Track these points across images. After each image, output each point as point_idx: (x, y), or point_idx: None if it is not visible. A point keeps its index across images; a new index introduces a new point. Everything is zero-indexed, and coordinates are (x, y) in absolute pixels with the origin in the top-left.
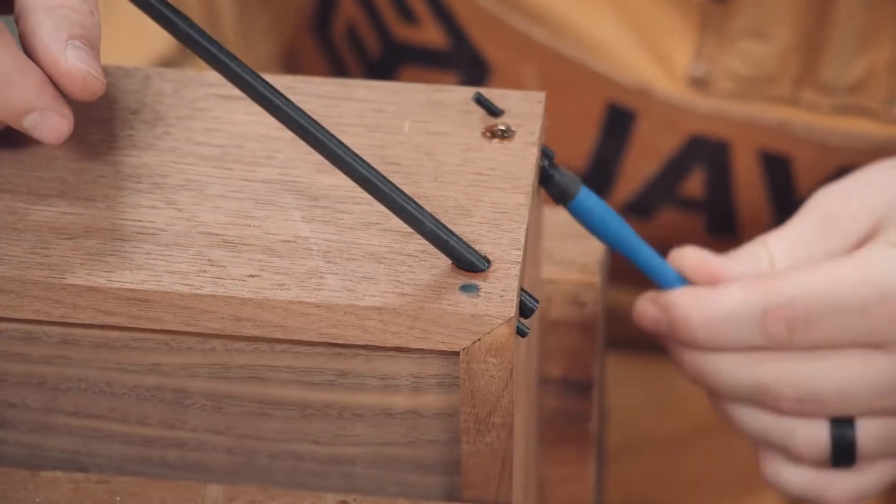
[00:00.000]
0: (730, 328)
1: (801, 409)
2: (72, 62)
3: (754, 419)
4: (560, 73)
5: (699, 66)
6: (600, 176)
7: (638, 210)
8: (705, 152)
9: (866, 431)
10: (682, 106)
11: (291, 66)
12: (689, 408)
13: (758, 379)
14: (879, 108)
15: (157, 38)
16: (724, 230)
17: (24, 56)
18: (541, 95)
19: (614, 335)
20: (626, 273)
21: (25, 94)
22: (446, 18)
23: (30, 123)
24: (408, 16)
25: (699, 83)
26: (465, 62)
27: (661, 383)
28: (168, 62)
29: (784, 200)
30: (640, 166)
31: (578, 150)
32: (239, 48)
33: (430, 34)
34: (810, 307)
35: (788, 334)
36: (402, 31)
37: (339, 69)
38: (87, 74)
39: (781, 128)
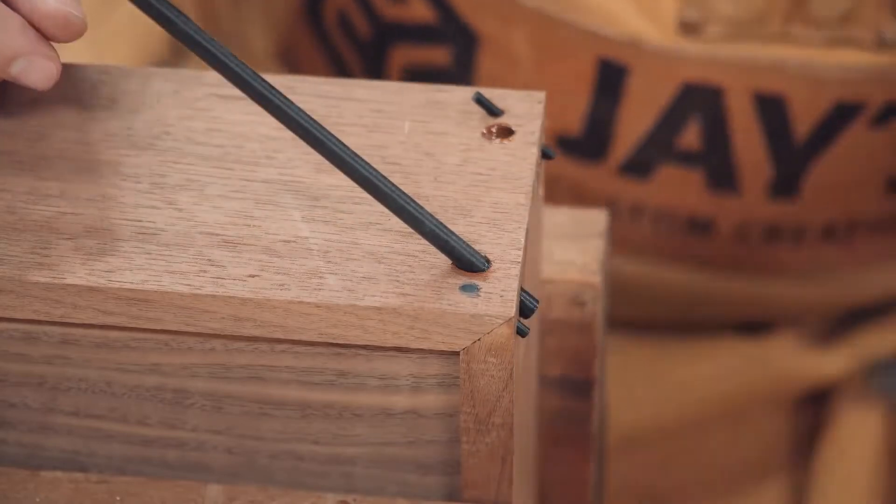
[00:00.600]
0: None
1: None
2: (51, 3)
3: None
4: (550, 35)
5: (688, 11)
6: (597, 137)
7: (637, 170)
8: (699, 100)
9: None
10: (674, 54)
11: (289, 59)
12: (689, 396)
13: None
14: (871, 37)
15: (154, 40)
16: (725, 184)
17: (1, 4)
18: (541, 95)
19: (616, 316)
20: (632, 246)
21: (8, 40)
22: None
23: (17, 69)
24: None
25: (689, 29)
26: (454, 35)
27: (661, 370)
28: (163, 64)
29: (781, 146)
30: (635, 122)
31: (574, 113)
32: (235, 44)
33: (418, 10)
34: None
35: None
36: (391, 11)
37: (334, 57)
38: (68, 14)
39: (775, 66)
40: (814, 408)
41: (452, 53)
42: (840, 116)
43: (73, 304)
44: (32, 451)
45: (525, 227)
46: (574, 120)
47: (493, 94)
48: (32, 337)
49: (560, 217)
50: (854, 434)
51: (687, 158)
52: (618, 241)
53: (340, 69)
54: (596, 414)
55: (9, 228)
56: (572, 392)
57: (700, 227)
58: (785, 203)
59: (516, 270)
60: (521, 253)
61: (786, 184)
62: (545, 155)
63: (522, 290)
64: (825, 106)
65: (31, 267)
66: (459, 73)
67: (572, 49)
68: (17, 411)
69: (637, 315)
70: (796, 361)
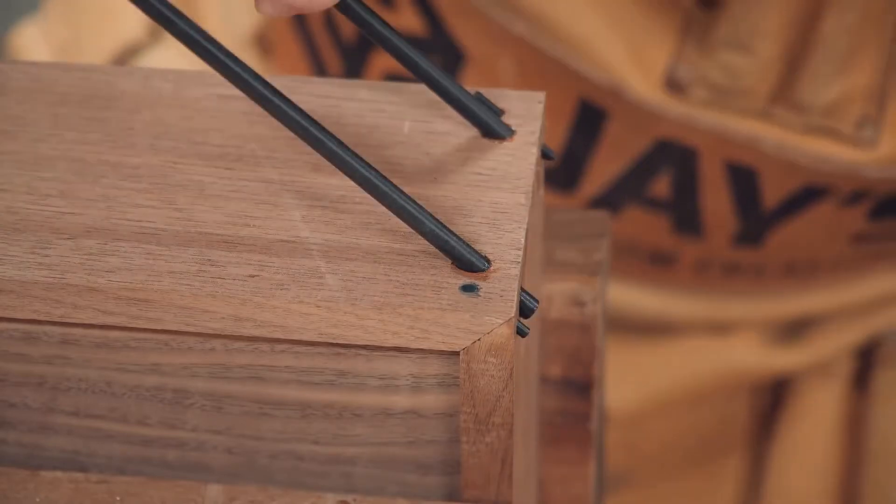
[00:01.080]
0: None
1: None
2: None
3: None
4: (535, 66)
5: (676, 69)
6: (569, 171)
7: (604, 206)
8: (673, 157)
9: None
10: (654, 109)
11: (264, 45)
12: (653, 384)
13: None
14: (851, 132)
15: (129, 22)
16: (690, 230)
17: None
18: (541, 95)
19: None
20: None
21: None
22: (425, 6)
23: None
24: (386, 0)
25: (674, 87)
26: (440, 50)
27: (627, 360)
28: (138, 46)
29: (749, 209)
30: (608, 164)
31: (549, 141)
32: (218, 28)
33: (408, 20)
34: None
35: None
36: (383, 14)
37: (313, 53)
38: None
39: (749, 142)
40: (773, 392)
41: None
42: (809, 196)
43: (73, 304)
44: (32, 451)
45: (525, 227)
46: (551, 146)
47: (493, 94)
48: (32, 337)
49: (560, 217)
50: (811, 409)
51: (655, 204)
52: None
53: (318, 67)
54: (596, 414)
55: (9, 228)
56: (572, 392)
57: (663, 259)
58: (748, 250)
59: (516, 270)
60: (521, 253)
61: (750, 237)
62: (545, 155)
63: (522, 290)
64: (795, 185)
65: (31, 267)
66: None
67: (555, 83)
68: (17, 411)
69: (608, 322)
70: (757, 356)
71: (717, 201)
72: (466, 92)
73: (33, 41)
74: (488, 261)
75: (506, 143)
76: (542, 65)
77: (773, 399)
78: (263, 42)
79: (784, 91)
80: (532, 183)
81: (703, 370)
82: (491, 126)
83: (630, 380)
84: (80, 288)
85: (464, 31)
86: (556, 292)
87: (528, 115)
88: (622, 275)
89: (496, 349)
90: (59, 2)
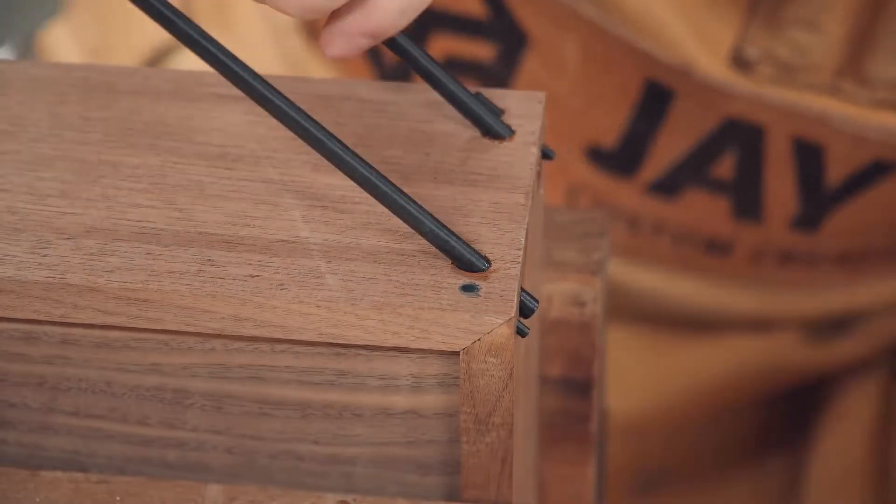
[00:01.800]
0: None
1: None
2: None
3: None
4: (602, 48)
5: (743, 47)
6: (631, 153)
7: (664, 188)
8: (740, 136)
9: None
10: (722, 88)
11: (309, 32)
12: (687, 383)
13: None
14: None
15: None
16: (750, 214)
17: None
18: (541, 95)
19: (622, 314)
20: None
21: None
22: None
23: None
24: None
25: (742, 65)
26: (502, 33)
27: (660, 358)
28: (168, 48)
29: (811, 188)
30: (672, 145)
31: (611, 126)
32: (258, 14)
33: (469, 3)
34: None
35: None
36: None
37: None
38: None
39: (818, 117)
40: (813, 391)
41: (498, 50)
42: (875, 172)
43: (73, 304)
44: (32, 451)
45: (525, 227)
46: (610, 133)
47: (494, 94)
48: (32, 337)
49: (560, 217)
50: (850, 409)
51: (717, 185)
52: (635, 252)
53: (370, 51)
54: (596, 414)
55: (9, 228)
56: (572, 392)
57: (718, 248)
58: (804, 234)
59: (516, 270)
60: (521, 253)
61: (809, 220)
62: (545, 155)
63: (522, 290)
64: (862, 161)
65: (31, 267)
66: (502, 70)
67: (622, 64)
68: (17, 411)
69: (647, 315)
70: (798, 353)
71: (780, 181)
72: (467, 91)
73: (62, 41)
74: (488, 261)
75: (506, 143)
76: (608, 47)
77: (813, 399)
78: (309, 27)
79: (851, 66)
80: (532, 183)
81: (744, 368)
82: (491, 126)
83: (670, 377)
84: (80, 288)
85: (528, 14)
86: (556, 292)
87: (528, 115)
88: (676, 266)
89: (496, 349)
90: (89, 2)
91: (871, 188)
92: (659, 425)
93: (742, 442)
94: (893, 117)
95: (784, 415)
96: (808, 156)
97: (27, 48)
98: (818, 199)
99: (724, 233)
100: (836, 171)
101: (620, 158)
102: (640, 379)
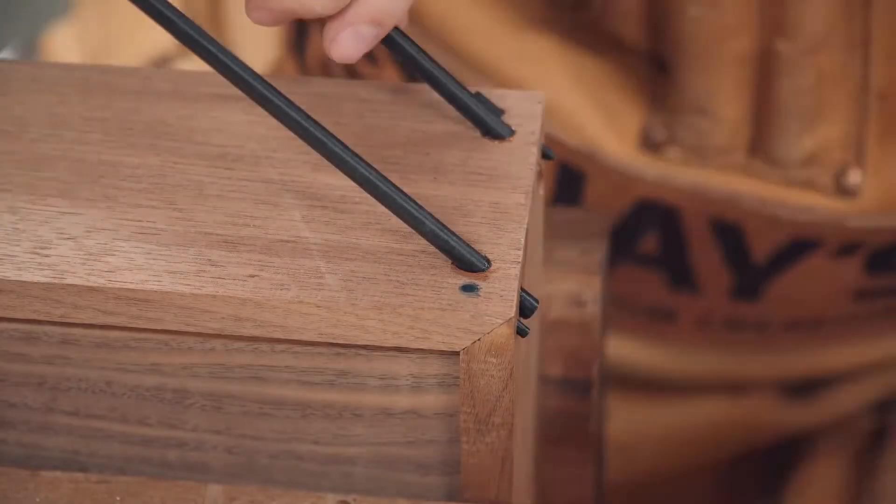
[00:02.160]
0: None
1: None
2: None
3: None
4: None
5: (650, 131)
6: None
7: None
8: (655, 217)
9: None
10: (631, 170)
11: None
12: (665, 446)
13: None
14: (831, 182)
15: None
16: (686, 285)
17: None
18: (541, 95)
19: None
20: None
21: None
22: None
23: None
24: (370, 57)
25: (651, 147)
26: None
27: (639, 420)
28: (170, 54)
29: (740, 263)
30: None
31: None
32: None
33: (390, 76)
34: None
35: None
36: (366, 70)
37: None
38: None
39: (728, 198)
40: (784, 455)
41: None
42: (798, 249)
43: (73, 304)
44: (32, 451)
45: (525, 227)
46: None
47: (494, 94)
48: (32, 337)
49: (560, 217)
50: (820, 474)
51: (646, 261)
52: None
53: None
54: (596, 414)
55: (9, 228)
56: (572, 392)
57: (663, 315)
58: (746, 303)
59: (516, 270)
60: (521, 253)
61: (747, 291)
62: (545, 155)
63: (522, 290)
64: (782, 238)
65: (31, 267)
66: None
67: None
68: (17, 411)
69: (614, 379)
70: (772, 413)
71: (707, 257)
72: (467, 91)
73: (66, 43)
74: (488, 261)
75: (506, 143)
76: None
77: (784, 461)
78: (296, 43)
79: (758, 145)
80: (532, 183)
81: (717, 428)
82: (491, 126)
83: (642, 434)
84: (80, 288)
85: None
86: (556, 292)
87: (528, 115)
88: (624, 332)
89: (496, 349)
90: (93, 4)
91: (800, 263)
92: (629, 482)
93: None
94: (807, 195)
95: (756, 476)
96: (728, 234)
97: (31, 50)
98: (750, 272)
99: (665, 302)
100: (760, 247)
101: None
102: (612, 435)
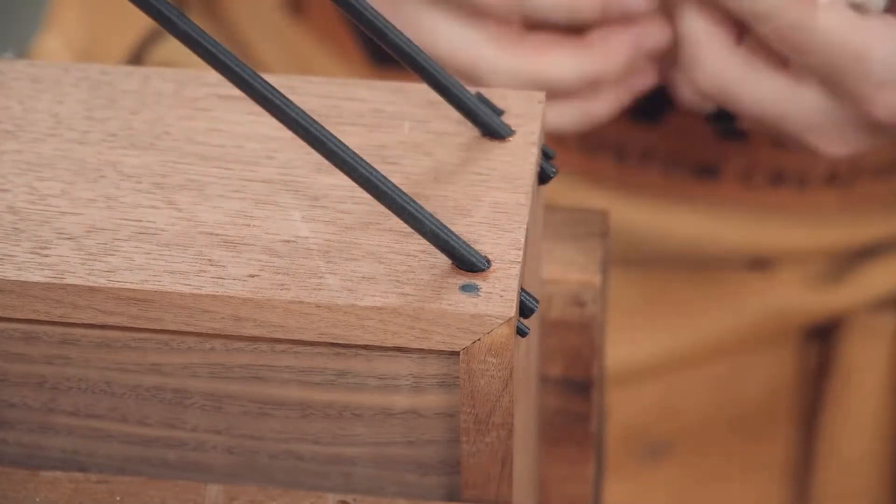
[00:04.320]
0: None
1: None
2: None
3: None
4: None
5: None
6: None
7: (647, 115)
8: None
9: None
10: None
11: (297, 9)
12: (690, 332)
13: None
14: None
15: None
16: (732, 132)
17: None
18: (541, 95)
19: (620, 256)
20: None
21: None
22: None
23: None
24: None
25: None
26: None
27: (662, 305)
28: (158, 32)
29: None
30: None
31: None
32: None
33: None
34: None
35: None
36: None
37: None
38: None
39: None
40: (819, 343)
41: None
42: None
43: (73, 304)
44: (32, 451)
45: (525, 227)
46: None
47: (493, 94)
48: (32, 337)
49: (560, 217)
50: (858, 370)
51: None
52: (626, 185)
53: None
54: (596, 414)
55: (9, 228)
56: (572, 392)
57: (708, 171)
58: (790, 149)
59: (516, 270)
60: (521, 253)
61: None
62: (545, 155)
63: (522, 290)
64: None
65: (31, 267)
66: None
67: None
68: (17, 411)
69: (643, 256)
70: (802, 296)
71: None
72: (467, 92)
73: (55, 50)
74: (488, 261)
75: (506, 143)
76: None
77: (818, 359)
78: (295, 3)
79: None
80: (532, 183)
81: (743, 313)
82: (491, 126)
83: (664, 326)
84: (80, 288)
85: None
86: (556, 292)
87: (528, 115)
88: (667, 194)
89: (496, 349)
90: (72, 7)
91: None
92: (660, 380)
93: (747, 410)
94: None
95: (789, 380)
96: None
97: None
98: None
99: (711, 154)
100: None
101: None
102: (639, 326)
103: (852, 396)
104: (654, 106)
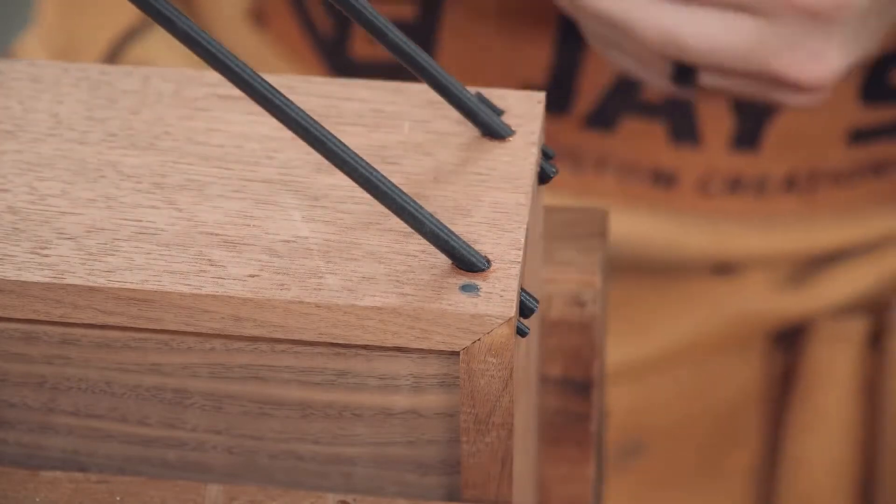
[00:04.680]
0: None
1: (663, 52)
2: None
3: (620, 57)
4: None
5: None
6: (561, 86)
7: (600, 122)
8: None
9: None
10: None
11: (258, 19)
12: (660, 337)
13: (623, 13)
14: None
15: (126, 9)
16: (687, 136)
17: None
18: (541, 95)
19: None
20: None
21: None
22: None
23: None
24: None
25: None
26: None
27: (631, 311)
28: (135, 31)
29: (743, 105)
30: (598, 74)
31: (538, 61)
32: (205, 7)
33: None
34: None
35: None
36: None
37: (307, 23)
38: None
39: None
40: (787, 346)
41: (418, 6)
42: None
43: (73, 304)
44: (32, 451)
45: (525, 227)
46: (539, 70)
47: (493, 94)
48: (32, 337)
49: (560, 217)
50: (826, 375)
51: (650, 111)
52: (582, 194)
53: (313, 36)
54: (596, 414)
55: (9, 228)
56: (572, 392)
57: (664, 178)
58: (747, 154)
59: (516, 270)
60: (521, 253)
61: (747, 135)
62: (545, 155)
63: (522, 290)
64: None
65: (31, 267)
66: (426, 25)
67: (535, 2)
68: (17, 411)
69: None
70: (767, 301)
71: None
72: (467, 92)
73: (34, 50)
74: (488, 261)
75: (506, 143)
76: None
77: (786, 363)
78: (258, 14)
79: None
80: (532, 183)
81: (710, 318)
82: (491, 126)
83: (633, 333)
84: (80, 288)
85: None
86: (556, 292)
87: (528, 115)
88: (626, 200)
89: (496, 349)
90: (53, 7)
91: None
92: (629, 385)
93: (715, 414)
94: None
95: (757, 384)
96: None
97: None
98: (751, 108)
99: (666, 161)
100: None
101: (553, 94)
102: (610, 335)
103: (818, 401)
104: (607, 113)
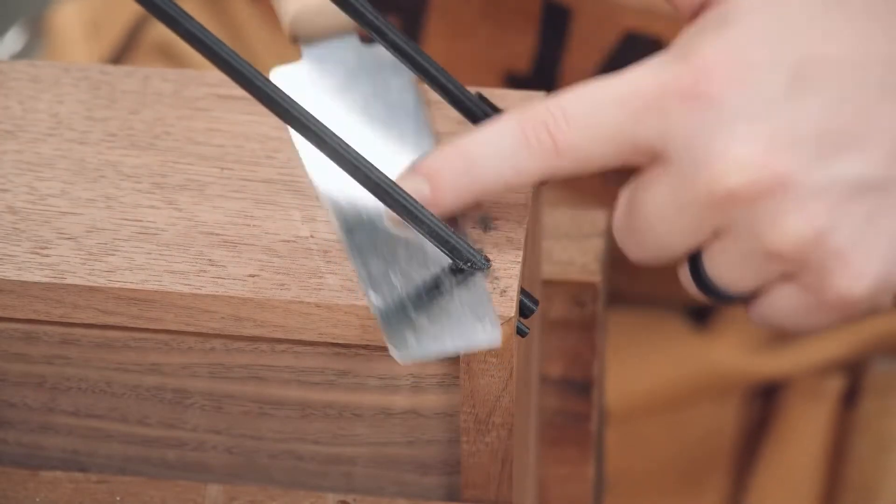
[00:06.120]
0: (490, 153)
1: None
2: None
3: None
4: None
5: None
6: (544, 75)
7: None
8: (642, 50)
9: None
10: (615, 1)
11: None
12: (634, 386)
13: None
14: None
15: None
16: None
17: None
18: (540, 95)
19: None
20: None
21: None
22: None
23: None
24: None
25: None
26: None
27: (607, 361)
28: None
29: None
30: (581, 66)
31: (522, 49)
32: None
33: None
34: (566, 106)
35: (551, 137)
36: None
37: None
38: None
39: None
40: (761, 402)
41: None
42: None
43: (73, 304)
44: (32, 451)
45: (525, 227)
46: (523, 58)
47: (494, 94)
48: (32, 337)
49: (560, 217)
50: (796, 433)
51: None
52: (566, 187)
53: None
54: (596, 414)
55: (9, 228)
56: (572, 392)
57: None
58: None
59: (516, 270)
60: (521, 253)
61: None
62: None
63: (522, 290)
64: None
65: (31, 267)
66: (414, 5)
67: None
68: (17, 411)
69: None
70: (743, 359)
71: None
72: (467, 92)
73: (69, 19)
74: (488, 261)
75: None
76: None
77: (760, 416)
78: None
79: None
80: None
81: (684, 370)
82: None
83: (608, 376)
84: (80, 288)
85: None
86: (556, 292)
87: None
88: (608, 203)
89: (496, 349)
90: None
91: None
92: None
93: (687, 460)
94: None
95: (730, 434)
96: None
97: (36, 29)
98: None
99: None
100: None
101: (536, 83)
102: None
103: (788, 457)
104: None
